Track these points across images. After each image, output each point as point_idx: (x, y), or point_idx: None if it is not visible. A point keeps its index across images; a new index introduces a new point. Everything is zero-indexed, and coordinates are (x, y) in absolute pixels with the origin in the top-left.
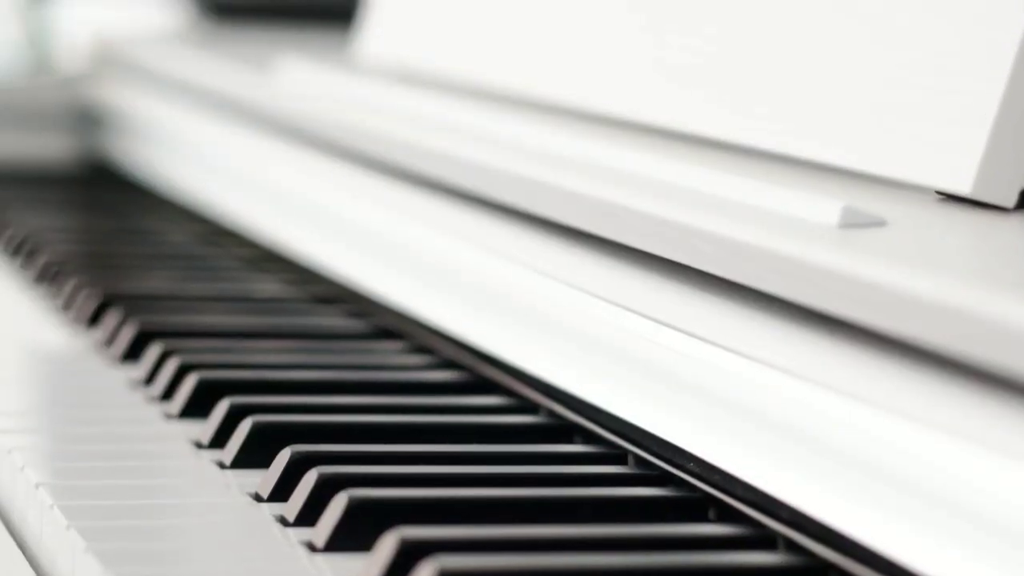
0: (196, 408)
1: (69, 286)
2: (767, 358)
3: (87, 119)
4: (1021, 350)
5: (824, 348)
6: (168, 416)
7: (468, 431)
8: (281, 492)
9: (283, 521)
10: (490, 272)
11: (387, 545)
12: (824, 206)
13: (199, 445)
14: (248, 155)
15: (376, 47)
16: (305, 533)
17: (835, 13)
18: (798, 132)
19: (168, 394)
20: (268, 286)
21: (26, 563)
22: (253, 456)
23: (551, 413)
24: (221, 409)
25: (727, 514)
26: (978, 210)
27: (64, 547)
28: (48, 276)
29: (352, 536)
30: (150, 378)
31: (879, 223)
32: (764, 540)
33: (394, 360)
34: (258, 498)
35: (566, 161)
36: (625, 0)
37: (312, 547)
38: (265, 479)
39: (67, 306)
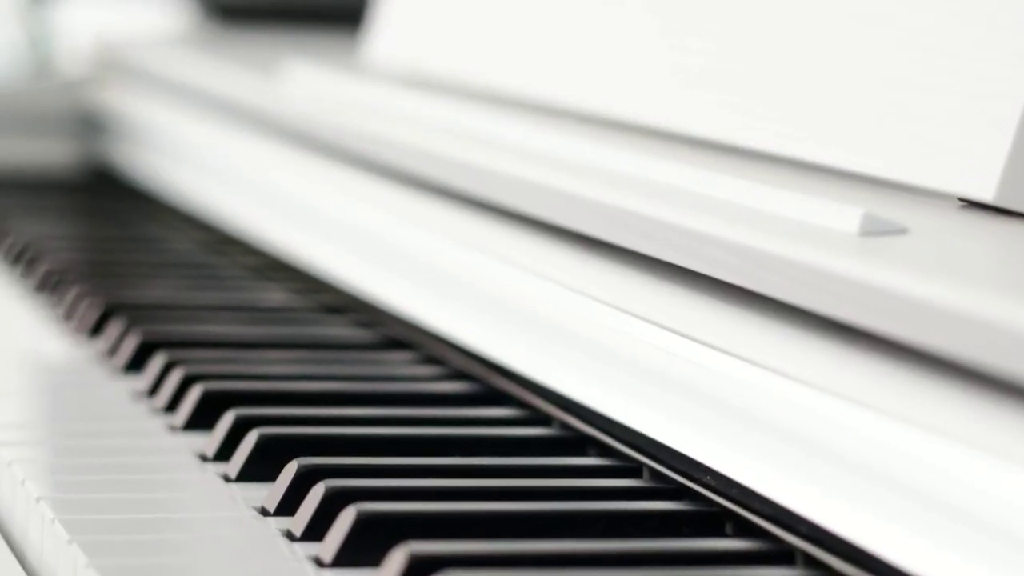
0: (201, 420)
1: (71, 295)
2: (785, 369)
3: (89, 124)
4: None
5: (844, 358)
6: (172, 428)
7: (479, 443)
8: (288, 506)
9: (290, 536)
10: (503, 281)
11: (396, 560)
12: (844, 213)
13: (204, 458)
14: (254, 161)
15: (385, 50)
16: (312, 548)
17: (854, 16)
18: (817, 137)
19: (172, 406)
20: (274, 295)
21: None
22: (259, 469)
23: (564, 425)
24: (226, 421)
25: (744, 528)
26: (1001, 217)
27: (66, 562)
28: (49, 285)
29: (360, 551)
30: (154, 389)
31: (900, 231)
32: (782, 555)
33: (403, 371)
34: (264, 512)
35: (580, 168)
36: (640, 3)
37: (319, 562)
38: (271, 492)
39: (69, 316)
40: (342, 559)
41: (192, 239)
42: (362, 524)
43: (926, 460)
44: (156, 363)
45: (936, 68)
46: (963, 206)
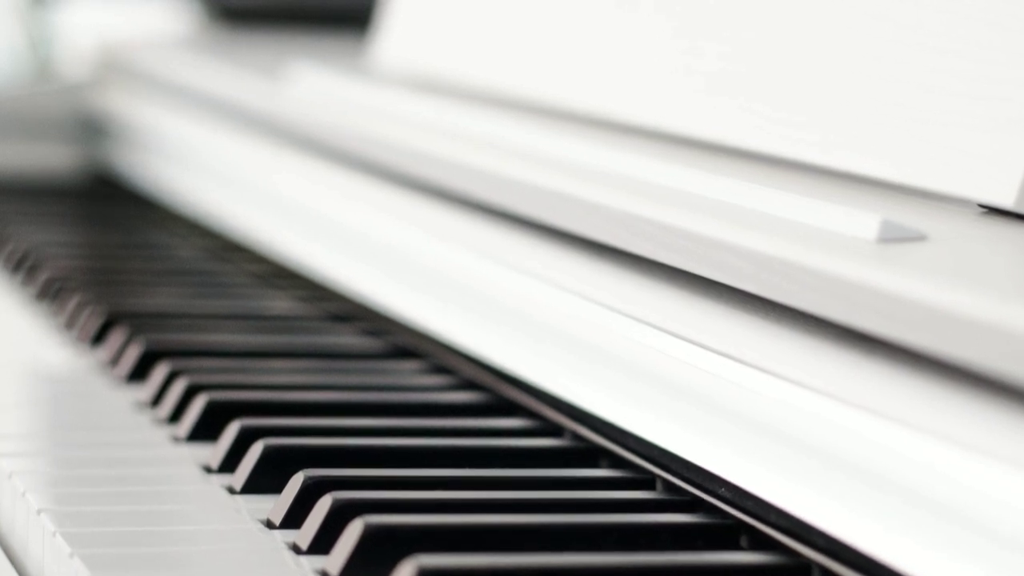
0: (205, 431)
1: (72, 303)
2: (802, 378)
3: (91, 128)
4: None
5: (862, 368)
6: (176, 439)
7: (489, 455)
8: (294, 518)
9: (296, 549)
10: (513, 289)
11: (404, 574)
12: (862, 220)
13: (208, 469)
14: (259, 166)
15: (393, 53)
16: (319, 561)
17: (872, 19)
18: (834, 142)
19: (176, 416)
20: (280, 303)
21: None
22: (265, 481)
23: (576, 436)
24: (231, 432)
25: (760, 542)
26: (1022, 224)
27: None
28: (50, 293)
29: (368, 564)
30: (157, 399)
31: (919, 237)
32: (799, 569)
33: (412, 380)
34: (270, 525)
35: (592, 173)
36: (654, 4)
37: None
38: (277, 505)
39: (70, 324)
40: (349, 573)
41: (196, 246)
42: (370, 537)
43: (945, 472)
44: (159, 373)
45: (956, 72)
46: (983, 212)
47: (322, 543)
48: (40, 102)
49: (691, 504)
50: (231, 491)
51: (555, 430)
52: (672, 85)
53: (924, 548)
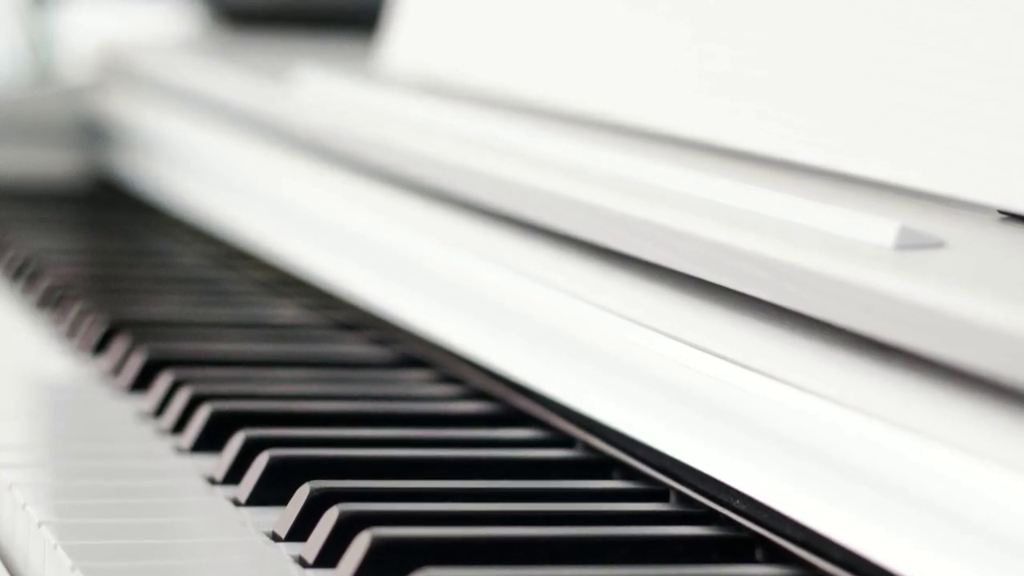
0: (209, 441)
1: (73, 311)
2: (818, 388)
3: (92, 132)
4: None
5: (879, 377)
6: (179, 450)
7: (499, 466)
8: (300, 531)
9: (302, 562)
10: (523, 297)
11: None
12: (879, 226)
13: (212, 481)
14: (264, 171)
15: (401, 56)
16: (325, 575)
17: (888, 21)
18: (851, 147)
19: (179, 426)
20: (286, 311)
21: None
22: (270, 492)
23: (588, 447)
24: (236, 443)
25: (775, 555)
26: None
27: None
28: (51, 301)
29: None
30: (160, 409)
31: (937, 244)
32: None
33: (420, 390)
34: (275, 537)
35: (603, 178)
36: (666, 7)
37: None
38: (283, 517)
39: (71, 333)
40: None
41: (200, 252)
42: (377, 550)
43: (965, 483)
44: (162, 382)
45: (973, 74)
46: (1003, 219)
47: (329, 556)
48: (41, 106)
49: (705, 516)
50: (236, 503)
51: (566, 441)
52: (687, 89)
53: (944, 561)
